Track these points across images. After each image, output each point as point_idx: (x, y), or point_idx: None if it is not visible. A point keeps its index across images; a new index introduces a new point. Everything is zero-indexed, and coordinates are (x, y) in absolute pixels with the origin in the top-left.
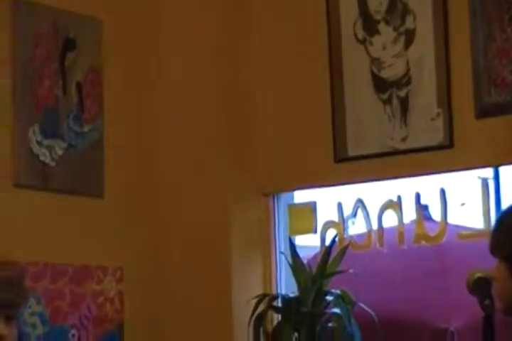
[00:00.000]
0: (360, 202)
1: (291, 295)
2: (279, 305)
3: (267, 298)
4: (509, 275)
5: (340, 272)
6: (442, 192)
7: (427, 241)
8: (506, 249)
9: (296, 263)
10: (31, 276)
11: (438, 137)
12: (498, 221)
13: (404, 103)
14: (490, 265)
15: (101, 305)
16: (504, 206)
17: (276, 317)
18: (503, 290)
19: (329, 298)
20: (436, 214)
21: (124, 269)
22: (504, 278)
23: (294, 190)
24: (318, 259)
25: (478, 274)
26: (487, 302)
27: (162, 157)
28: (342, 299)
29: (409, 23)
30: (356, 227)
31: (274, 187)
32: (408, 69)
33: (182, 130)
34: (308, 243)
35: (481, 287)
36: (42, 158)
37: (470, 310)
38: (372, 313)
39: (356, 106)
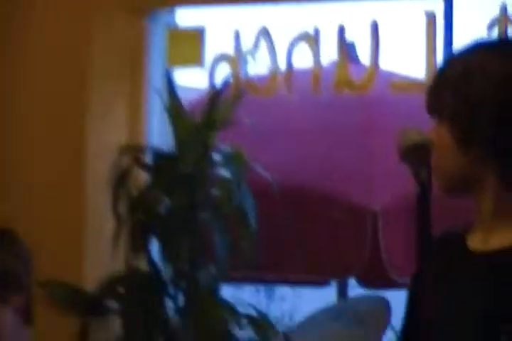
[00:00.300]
0: (264, 32)
1: (166, 149)
2: (149, 161)
3: (133, 151)
4: (451, 141)
5: (233, 122)
6: (374, 26)
7: (351, 89)
8: (449, 107)
9: (175, 107)
10: None
11: None
12: (443, 68)
13: None
14: (428, 126)
15: None
16: (455, 50)
17: (144, 177)
18: (442, 161)
19: (216, 156)
20: (364, 55)
21: None
22: (444, 146)
23: (176, 6)
24: (205, 104)
25: (415, 138)
26: (423, 173)
27: None
28: (233, 159)
29: None
30: (258, 66)
31: (148, 2)
32: None
33: None
34: (192, 84)
35: (417, 153)
36: None
37: (398, 185)
38: (272, 180)
39: None
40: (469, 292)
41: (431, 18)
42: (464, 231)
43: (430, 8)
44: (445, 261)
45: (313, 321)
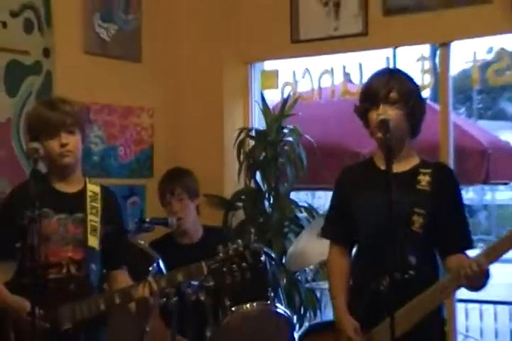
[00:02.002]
0: (307, 70)
1: (261, 128)
2: (253, 134)
3: (246, 130)
4: (402, 117)
5: (292, 115)
6: (360, 65)
7: (350, 95)
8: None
9: (265, 108)
10: (94, 111)
11: (358, 28)
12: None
13: (336, 4)
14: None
15: (139, 132)
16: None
17: (252, 143)
18: (401, 130)
19: (285, 131)
20: (355, 79)
21: (155, 109)
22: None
23: (264, 60)
24: (279, 106)
25: (382, 117)
26: (388, 135)
27: (180, 32)
28: (293, 132)
29: None
30: (304, 86)
31: (251, 58)
32: None
33: (190, 15)
34: (273, 97)
35: (383, 125)
36: (101, 35)
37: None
38: (314, 142)
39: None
40: (385, 192)
41: (387, 60)
42: (369, 163)
43: (387, 55)
44: (364, 176)
45: None
